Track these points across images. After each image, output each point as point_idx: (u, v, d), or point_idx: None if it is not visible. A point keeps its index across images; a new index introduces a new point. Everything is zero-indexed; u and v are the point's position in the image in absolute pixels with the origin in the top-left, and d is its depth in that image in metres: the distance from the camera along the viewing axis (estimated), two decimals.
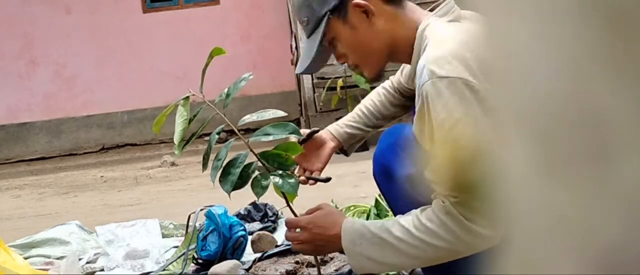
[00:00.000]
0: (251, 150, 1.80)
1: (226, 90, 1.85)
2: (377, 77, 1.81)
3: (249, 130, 6.52)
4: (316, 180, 1.97)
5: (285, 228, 1.89)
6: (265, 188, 1.80)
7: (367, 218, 2.79)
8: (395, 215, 1.88)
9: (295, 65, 7.82)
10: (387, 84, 2.10)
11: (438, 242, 1.58)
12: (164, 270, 2.60)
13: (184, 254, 2.60)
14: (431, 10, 1.75)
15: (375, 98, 2.10)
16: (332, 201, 3.15)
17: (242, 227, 2.64)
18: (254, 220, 3.11)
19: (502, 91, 0.45)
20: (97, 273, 2.77)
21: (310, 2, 1.77)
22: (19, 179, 7.32)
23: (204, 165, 1.85)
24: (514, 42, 0.43)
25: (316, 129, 1.93)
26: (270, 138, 1.79)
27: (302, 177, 1.93)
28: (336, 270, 2.28)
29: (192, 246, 2.62)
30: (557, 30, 0.41)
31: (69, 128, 9.04)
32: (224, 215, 2.61)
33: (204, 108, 1.80)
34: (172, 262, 2.61)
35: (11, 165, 8.63)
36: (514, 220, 0.45)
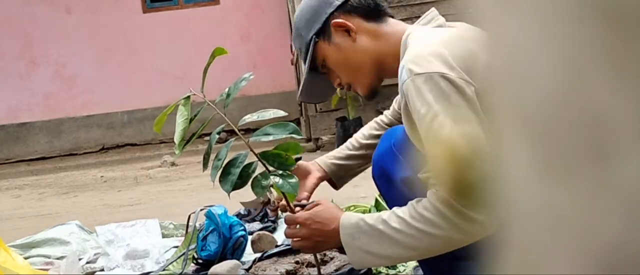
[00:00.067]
0: (251, 150, 1.81)
1: (227, 90, 1.85)
2: (371, 95, 1.86)
3: (249, 130, 6.52)
4: (298, 205, 1.92)
5: (285, 226, 1.89)
6: (265, 188, 1.80)
7: None
8: None
9: (296, 65, 7.82)
10: (381, 117, 2.17)
11: (434, 230, 1.58)
12: (164, 270, 2.60)
13: (184, 254, 2.60)
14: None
15: (367, 130, 2.16)
16: (332, 201, 3.15)
17: (242, 227, 2.64)
18: (254, 220, 3.12)
19: (503, 91, 0.45)
20: (97, 273, 2.77)
21: (299, 31, 1.87)
22: (19, 179, 7.33)
23: (205, 165, 1.85)
24: (514, 42, 0.43)
25: (299, 155, 1.91)
26: (271, 138, 1.79)
27: (283, 202, 1.90)
28: (336, 269, 2.28)
29: (192, 246, 2.62)
30: (557, 30, 0.41)
31: (69, 128, 9.04)
32: (224, 215, 2.61)
33: (204, 108, 1.80)
34: (172, 262, 2.61)
35: (11, 165, 8.63)
36: (514, 220, 0.45)
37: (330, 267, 2.31)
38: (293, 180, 1.80)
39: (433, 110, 1.55)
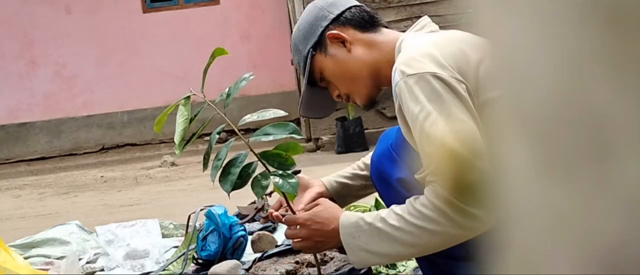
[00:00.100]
0: (251, 150, 1.81)
1: (227, 90, 1.85)
2: (370, 104, 1.89)
3: (249, 130, 6.52)
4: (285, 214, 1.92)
5: (285, 227, 1.89)
6: (265, 188, 1.80)
7: None
8: None
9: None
10: None
11: (432, 226, 1.59)
12: (164, 270, 2.60)
13: (184, 254, 2.60)
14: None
15: None
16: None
17: (242, 227, 2.64)
18: (254, 220, 3.11)
19: (503, 91, 0.45)
20: (97, 273, 2.77)
21: (297, 46, 1.92)
22: (19, 179, 7.33)
23: (205, 165, 1.85)
24: (514, 42, 0.43)
25: (298, 169, 1.91)
26: (271, 138, 1.79)
27: (276, 213, 1.90)
28: (336, 270, 2.28)
29: (192, 246, 2.62)
30: (557, 30, 0.41)
31: (69, 128, 9.04)
32: (224, 215, 2.61)
33: (204, 108, 1.80)
34: (172, 262, 2.61)
35: (11, 165, 8.63)
36: (514, 220, 0.45)
37: (330, 267, 2.31)
38: (293, 180, 1.80)
39: (426, 109, 1.57)
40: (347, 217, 1.74)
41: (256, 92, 8.63)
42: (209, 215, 2.62)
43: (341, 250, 1.85)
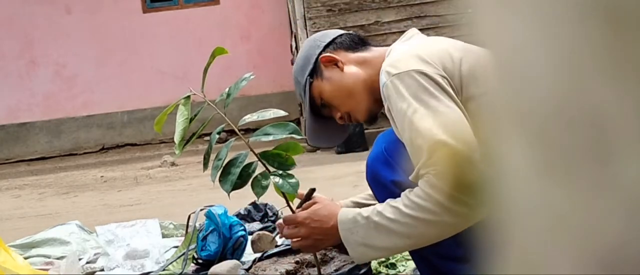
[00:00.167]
0: (251, 150, 1.81)
1: (227, 90, 1.85)
2: (371, 119, 1.96)
3: (249, 130, 6.52)
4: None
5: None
6: (265, 188, 1.80)
7: None
8: None
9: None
10: None
11: (427, 215, 1.61)
12: (164, 270, 2.60)
13: (184, 254, 2.60)
14: None
15: None
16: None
17: (242, 227, 2.64)
18: (254, 220, 3.11)
19: (502, 91, 0.45)
20: (97, 273, 2.77)
21: (296, 77, 2.01)
22: (19, 179, 7.33)
23: (205, 165, 1.85)
24: (514, 42, 0.43)
25: (313, 187, 1.94)
26: (271, 138, 1.79)
27: (279, 221, 1.93)
28: (336, 270, 2.28)
29: (192, 246, 2.62)
30: (557, 30, 0.41)
31: (69, 128, 9.04)
32: (224, 215, 2.61)
33: (204, 108, 1.80)
34: (172, 262, 2.61)
35: (11, 165, 8.64)
36: (514, 220, 0.45)
37: (330, 267, 2.31)
38: (293, 180, 1.80)
39: (413, 104, 1.63)
40: (345, 213, 1.75)
41: (256, 92, 8.63)
42: (209, 215, 2.62)
43: (341, 249, 1.86)
